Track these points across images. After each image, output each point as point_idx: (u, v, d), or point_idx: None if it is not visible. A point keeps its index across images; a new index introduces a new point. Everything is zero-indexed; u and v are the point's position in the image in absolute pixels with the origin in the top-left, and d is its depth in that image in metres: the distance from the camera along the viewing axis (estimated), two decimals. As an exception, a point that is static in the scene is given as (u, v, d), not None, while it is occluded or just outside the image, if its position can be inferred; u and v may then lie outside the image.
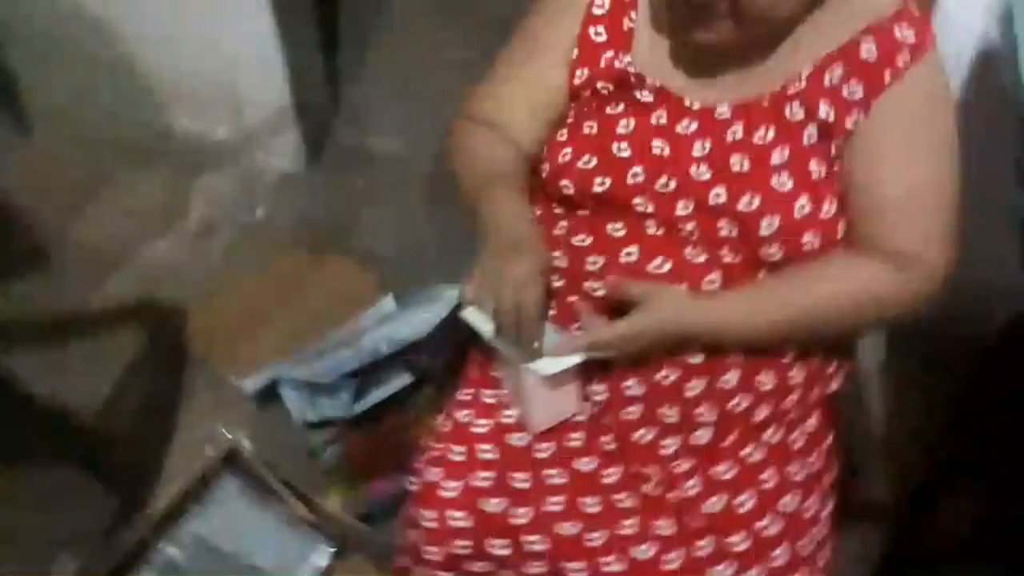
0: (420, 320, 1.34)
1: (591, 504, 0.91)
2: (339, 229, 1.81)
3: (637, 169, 0.88)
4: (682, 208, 0.87)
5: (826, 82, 0.84)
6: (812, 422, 0.94)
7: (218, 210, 1.85)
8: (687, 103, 0.89)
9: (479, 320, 0.89)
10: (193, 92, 1.87)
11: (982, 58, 1.11)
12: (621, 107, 0.91)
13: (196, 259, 1.77)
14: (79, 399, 1.52)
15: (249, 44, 1.74)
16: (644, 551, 0.89)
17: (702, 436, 0.91)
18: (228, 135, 1.91)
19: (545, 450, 0.93)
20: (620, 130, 0.90)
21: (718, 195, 0.85)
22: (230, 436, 1.36)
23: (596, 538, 0.90)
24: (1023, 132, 0.91)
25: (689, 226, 0.87)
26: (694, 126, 0.88)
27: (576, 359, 0.87)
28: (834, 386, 0.95)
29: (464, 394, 1.00)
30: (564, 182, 0.92)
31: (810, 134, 0.85)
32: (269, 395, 1.50)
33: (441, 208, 1.77)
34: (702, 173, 0.87)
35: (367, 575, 1.31)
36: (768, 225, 0.84)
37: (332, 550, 1.32)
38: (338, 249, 1.75)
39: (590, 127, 0.91)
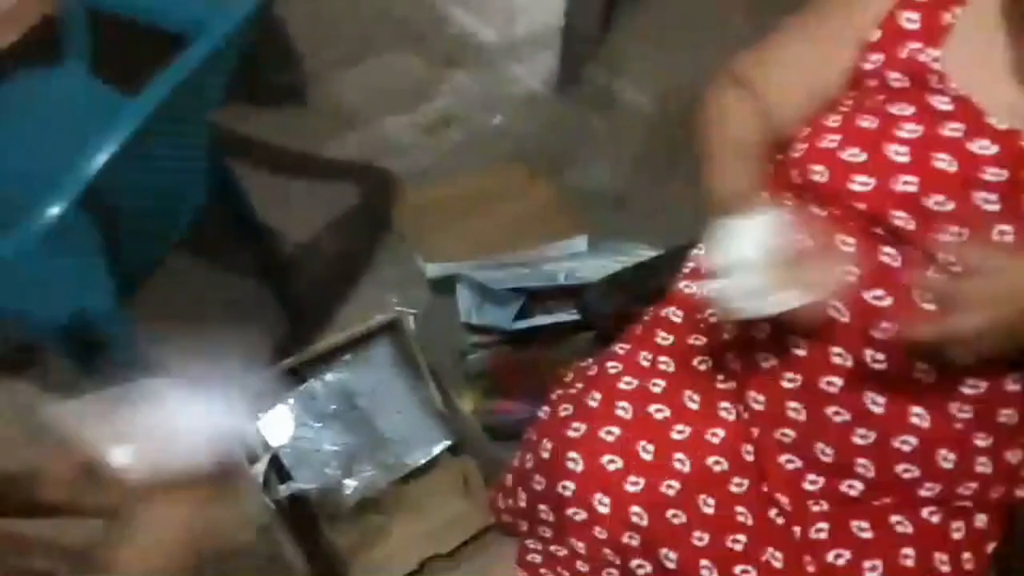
0: (603, 268, 1.33)
1: (708, 504, 0.88)
2: (561, 158, 1.83)
3: (911, 178, 0.78)
4: (949, 235, 0.77)
5: None
6: (981, 521, 0.84)
7: (461, 105, 1.92)
8: (991, 120, 0.78)
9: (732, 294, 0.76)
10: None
11: None
12: (911, 110, 0.81)
13: (427, 144, 1.86)
14: (289, 230, 1.68)
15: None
16: (744, 573, 0.85)
17: (846, 487, 0.84)
18: (494, 39, 1.97)
19: (680, 432, 0.90)
20: (902, 133, 0.80)
21: (1003, 233, 0.75)
22: (399, 308, 1.44)
23: (700, 538, 0.87)
24: None
25: (948, 257, 0.76)
26: (994, 149, 0.77)
27: None
28: (1017, 492, 0.84)
29: (621, 348, 0.98)
30: (817, 168, 0.83)
31: None
32: (446, 287, 1.57)
33: (662, 168, 1.74)
34: (989, 202, 0.76)
35: (472, 478, 1.36)
36: (1007, 234, 0.74)
37: (449, 443, 1.37)
38: (554, 176, 1.78)
39: (869, 121, 0.82)
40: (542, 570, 1.02)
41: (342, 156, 1.83)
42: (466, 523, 1.32)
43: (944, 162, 0.78)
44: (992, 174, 0.77)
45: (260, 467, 1.33)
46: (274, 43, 1.93)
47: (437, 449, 1.37)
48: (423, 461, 1.37)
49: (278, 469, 1.33)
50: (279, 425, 1.40)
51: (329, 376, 1.40)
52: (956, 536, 0.83)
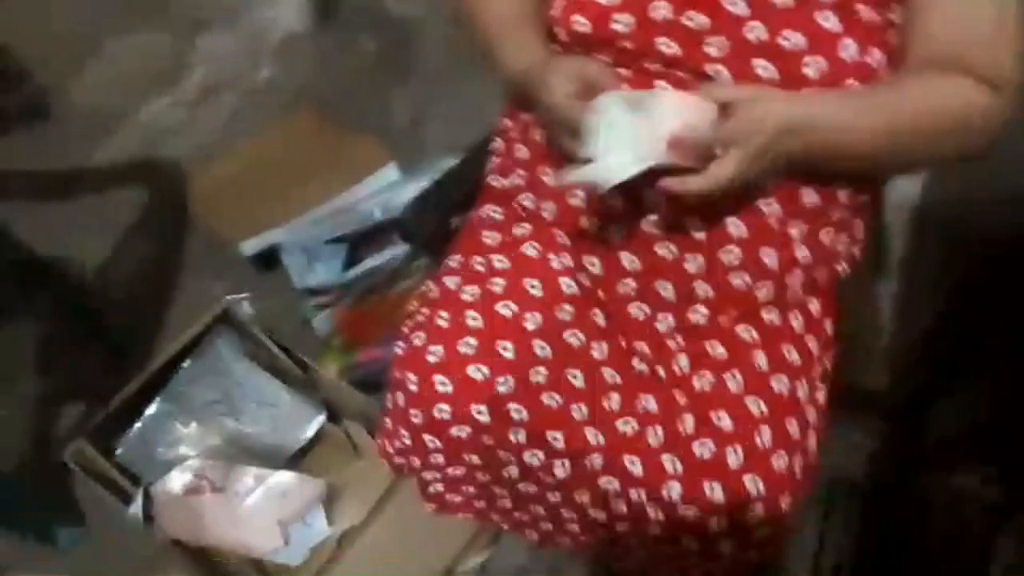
0: (418, 189, 1.29)
1: (576, 377, 0.89)
2: (347, 94, 1.74)
3: (662, 3, 0.80)
4: (713, 48, 0.79)
5: None
6: (812, 305, 0.90)
7: (221, 70, 1.78)
8: None
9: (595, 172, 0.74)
10: (196, -59, 1.77)
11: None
12: None
13: (198, 120, 1.72)
14: (80, 257, 1.52)
15: None
16: (626, 426, 0.88)
17: (695, 316, 0.87)
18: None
19: (532, 320, 0.90)
20: None
21: (755, 30, 0.78)
22: (228, 297, 1.35)
23: (578, 411, 0.88)
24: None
25: (719, 68, 0.79)
26: None
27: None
28: (840, 269, 0.90)
29: (452, 261, 0.96)
30: (578, 19, 0.83)
31: None
32: (270, 260, 1.48)
33: (455, 75, 1.69)
34: (737, 6, 0.79)
35: (359, 438, 1.32)
36: (812, 66, 0.77)
37: (323, 416, 1.32)
38: (345, 114, 1.69)
39: None
40: (447, 496, 1.01)
41: (110, 160, 1.66)
42: (368, 483, 1.29)
43: None
44: None
45: (135, 508, 1.24)
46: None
47: (313, 427, 1.32)
48: (304, 441, 1.32)
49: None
50: (141, 457, 1.30)
51: (176, 392, 1.31)
52: (796, 326, 0.89)
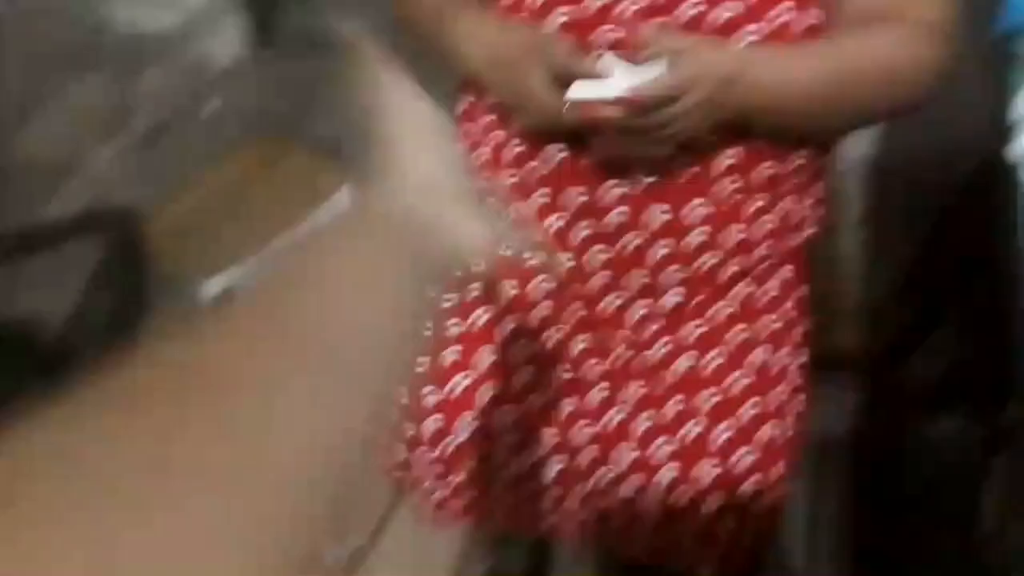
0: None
1: (561, 373, 0.90)
2: (296, 119, 1.73)
3: None
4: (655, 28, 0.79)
5: None
6: (784, 273, 0.91)
7: (167, 108, 1.76)
8: None
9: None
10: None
11: None
12: None
13: (147, 163, 1.70)
14: (40, 316, 1.49)
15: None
16: (613, 417, 0.88)
17: (670, 299, 0.88)
18: (172, 23, 1.79)
19: (511, 323, 0.91)
20: None
21: (693, 6, 0.78)
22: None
23: (567, 405, 0.89)
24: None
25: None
26: None
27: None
28: (807, 234, 0.92)
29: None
30: (519, 15, 0.82)
31: None
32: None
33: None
34: None
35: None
36: (750, 34, 0.78)
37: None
38: (296, 140, 1.68)
39: None
40: (448, 504, 1.01)
41: (62, 213, 1.63)
42: (370, 501, 1.28)
43: None
44: None
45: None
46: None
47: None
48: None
49: None
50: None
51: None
52: (773, 294, 0.90)
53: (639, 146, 0.79)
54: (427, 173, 0.43)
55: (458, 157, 0.46)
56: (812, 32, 0.80)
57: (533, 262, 0.79)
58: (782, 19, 0.78)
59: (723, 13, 0.79)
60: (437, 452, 0.91)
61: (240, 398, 0.27)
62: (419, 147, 0.45)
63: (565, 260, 0.90)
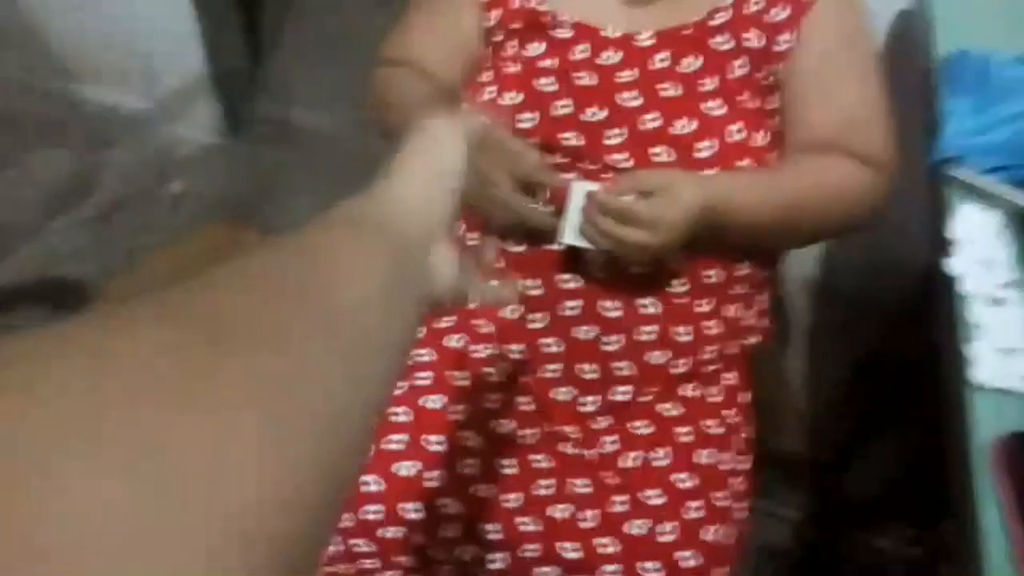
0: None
1: (508, 466, 0.89)
2: (259, 205, 1.75)
3: (563, 101, 0.86)
4: (614, 138, 0.86)
5: (750, 9, 0.86)
6: (730, 377, 0.94)
7: (130, 184, 1.76)
8: (606, 33, 0.88)
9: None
10: (103, 61, 1.78)
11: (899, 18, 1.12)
12: (543, 47, 0.89)
13: (104, 238, 1.68)
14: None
15: (163, 9, 1.66)
16: (561, 511, 0.87)
17: (621, 392, 0.89)
18: (143, 105, 1.83)
19: (461, 412, 0.90)
20: (544, 65, 0.88)
21: (651, 120, 0.84)
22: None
23: (512, 500, 0.88)
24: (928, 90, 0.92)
25: (621, 157, 0.85)
26: (618, 56, 0.88)
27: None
28: (752, 340, 0.95)
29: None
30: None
31: (740, 64, 0.86)
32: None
33: (367, 185, 1.71)
34: (632, 99, 0.86)
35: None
36: (705, 150, 0.83)
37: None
38: (258, 226, 1.69)
39: (513, 67, 0.89)
40: None
41: (12, 284, 1.60)
42: None
43: (585, 79, 0.87)
44: (626, 75, 0.87)
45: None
46: None
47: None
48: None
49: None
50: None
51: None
52: (716, 399, 0.92)
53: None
54: (424, 197, 0.45)
55: (453, 199, 0.47)
56: (761, 153, 0.86)
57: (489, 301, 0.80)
58: (733, 139, 0.85)
59: (680, 128, 0.84)
60: (373, 546, 0.89)
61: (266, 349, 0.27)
62: (427, 169, 0.46)
63: (520, 350, 0.91)
